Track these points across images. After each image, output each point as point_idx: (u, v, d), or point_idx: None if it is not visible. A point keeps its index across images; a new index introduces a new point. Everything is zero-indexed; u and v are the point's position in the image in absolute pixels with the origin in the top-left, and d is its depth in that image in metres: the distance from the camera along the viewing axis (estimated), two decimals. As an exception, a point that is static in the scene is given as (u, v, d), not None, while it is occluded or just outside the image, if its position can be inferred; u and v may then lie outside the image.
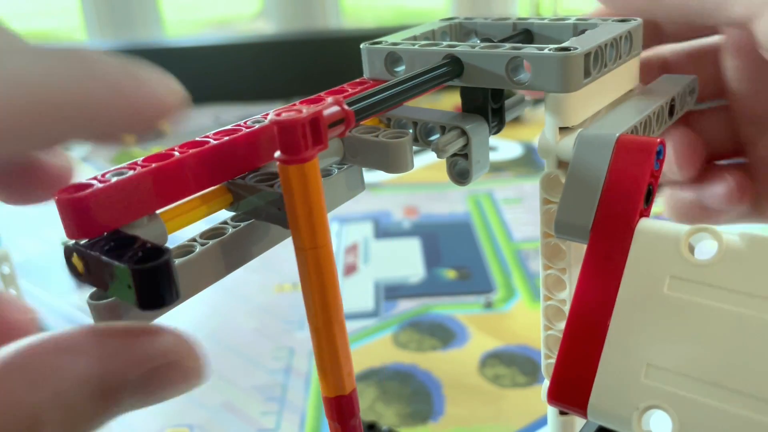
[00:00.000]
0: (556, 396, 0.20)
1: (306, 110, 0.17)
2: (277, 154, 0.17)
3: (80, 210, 0.16)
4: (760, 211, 0.29)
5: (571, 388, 0.19)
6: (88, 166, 1.04)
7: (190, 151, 0.19)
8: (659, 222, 0.19)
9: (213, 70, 1.33)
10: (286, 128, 0.16)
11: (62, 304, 0.64)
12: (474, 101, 0.24)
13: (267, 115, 0.21)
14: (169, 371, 0.17)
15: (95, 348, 0.16)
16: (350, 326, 0.57)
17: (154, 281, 0.16)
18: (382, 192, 0.85)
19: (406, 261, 0.69)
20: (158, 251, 0.16)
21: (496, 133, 0.24)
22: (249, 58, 1.33)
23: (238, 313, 0.61)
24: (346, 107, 0.18)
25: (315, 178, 0.17)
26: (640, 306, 0.19)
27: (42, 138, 0.15)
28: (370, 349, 0.54)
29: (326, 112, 0.17)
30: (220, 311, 0.61)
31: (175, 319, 0.17)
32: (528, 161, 0.94)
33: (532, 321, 0.57)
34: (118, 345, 0.16)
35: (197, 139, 0.19)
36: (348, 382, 0.20)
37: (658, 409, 0.18)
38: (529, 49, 0.21)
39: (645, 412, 0.18)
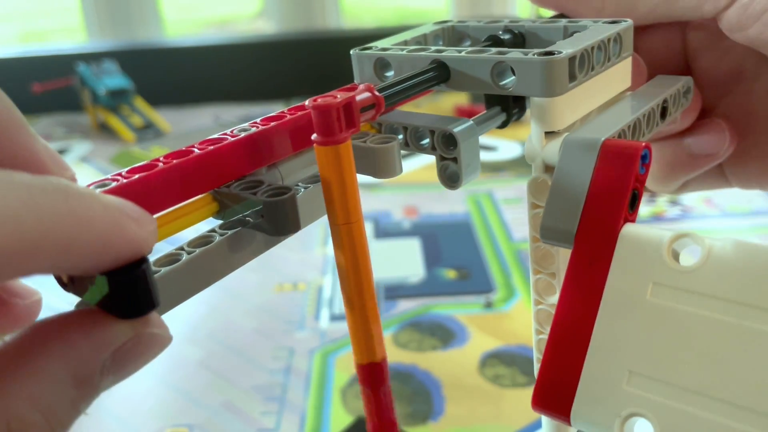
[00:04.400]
0: (540, 402, 0.20)
1: (340, 96, 0.18)
2: (314, 136, 0.18)
3: None
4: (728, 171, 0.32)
5: (555, 394, 0.19)
6: (88, 166, 1.04)
7: (174, 161, 0.19)
8: (643, 227, 0.19)
9: (213, 70, 1.33)
10: (322, 112, 0.18)
11: (62, 304, 0.64)
12: None
13: (255, 123, 0.21)
14: (136, 344, 0.17)
15: (61, 342, 0.16)
16: (349, 326, 0.57)
17: (130, 291, 0.16)
18: (382, 192, 0.85)
19: (406, 261, 0.69)
20: (137, 261, 0.16)
21: (517, 119, 0.25)
22: (249, 58, 1.33)
23: (238, 313, 0.61)
24: (376, 93, 0.19)
25: (348, 158, 0.19)
26: (623, 312, 0.19)
27: (11, 269, 0.14)
28: (369, 349, 0.54)
29: (359, 97, 0.19)
30: (220, 311, 0.61)
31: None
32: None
33: (532, 321, 0.57)
34: (83, 332, 0.16)
35: (182, 149, 0.19)
36: (379, 349, 0.21)
37: (640, 417, 0.18)
38: (514, 53, 0.21)
39: (627, 420, 0.18)
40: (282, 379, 0.52)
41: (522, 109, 0.25)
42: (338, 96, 0.18)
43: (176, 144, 1.13)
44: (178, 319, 0.58)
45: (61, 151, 1.11)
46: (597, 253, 0.20)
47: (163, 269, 0.19)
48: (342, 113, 0.18)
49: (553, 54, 0.21)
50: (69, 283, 0.17)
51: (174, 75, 1.32)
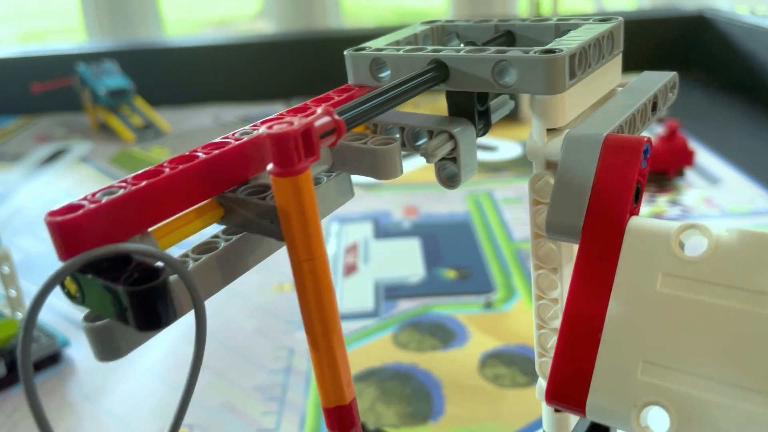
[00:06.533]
0: (554, 396, 0.20)
1: (297, 122, 0.17)
2: (270, 167, 0.17)
3: (71, 233, 0.16)
4: None
5: (569, 387, 0.20)
6: (88, 166, 1.04)
7: (180, 166, 0.18)
8: (649, 220, 0.20)
9: (213, 70, 1.33)
10: (279, 141, 0.16)
11: (62, 304, 0.64)
12: (460, 105, 0.24)
13: (256, 126, 0.21)
14: None
15: None
16: (350, 326, 0.57)
17: (151, 302, 0.16)
18: (382, 192, 0.85)
19: (406, 261, 0.69)
20: (154, 272, 0.16)
21: (482, 135, 0.25)
22: (249, 58, 1.33)
23: (238, 313, 0.61)
24: (336, 117, 0.18)
25: (309, 189, 0.17)
26: (634, 304, 0.19)
27: None
28: (370, 349, 0.54)
29: (317, 123, 0.17)
30: (220, 311, 0.61)
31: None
32: (528, 161, 0.93)
33: (532, 321, 0.57)
34: None
35: (186, 153, 0.19)
36: (348, 391, 0.20)
37: (655, 406, 0.18)
38: (515, 52, 0.21)
39: (643, 409, 0.19)
40: (282, 380, 0.51)
41: (488, 125, 0.25)
42: (295, 122, 0.17)
43: (176, 144, 1.13)
44: (179, 320, 0.57)
45: (61, 151, 1.11)
46: (605, 246, 0.20)
47: (171, 277, 0.19)
48: (300, 141, 0.17)
49: (554, 52, 0.21)
50: (78, 296, 0.17)
51: (174, 75, 1.32)
